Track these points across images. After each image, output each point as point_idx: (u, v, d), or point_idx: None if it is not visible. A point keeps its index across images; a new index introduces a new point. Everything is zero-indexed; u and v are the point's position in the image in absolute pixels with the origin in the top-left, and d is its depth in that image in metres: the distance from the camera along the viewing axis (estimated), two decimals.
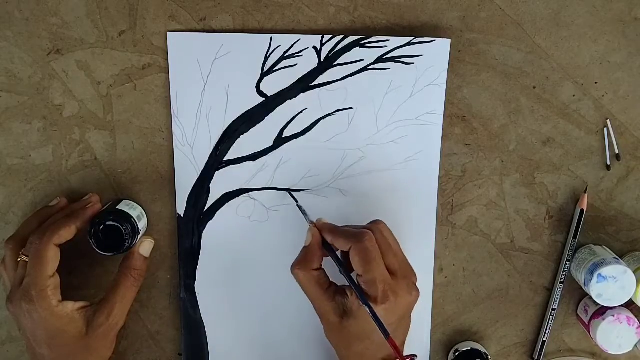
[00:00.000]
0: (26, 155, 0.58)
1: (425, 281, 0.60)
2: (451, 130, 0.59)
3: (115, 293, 0.53)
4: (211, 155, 0.58)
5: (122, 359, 0.61)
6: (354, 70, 0.57)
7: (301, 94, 0.57)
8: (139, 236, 0.55)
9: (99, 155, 0.58)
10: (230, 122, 0.57)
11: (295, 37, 0.56)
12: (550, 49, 0.58)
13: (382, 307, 0.49)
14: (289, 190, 0.58)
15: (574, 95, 0.59)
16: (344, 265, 0.52)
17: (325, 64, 0.57)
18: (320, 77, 0.57)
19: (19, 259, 0.52)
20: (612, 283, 0.56)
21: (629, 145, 0.59)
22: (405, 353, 0.51)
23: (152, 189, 0.59)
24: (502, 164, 0.60)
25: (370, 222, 0.54)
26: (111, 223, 0.53)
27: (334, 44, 0.56)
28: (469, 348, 0.60)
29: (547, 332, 0.61)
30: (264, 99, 0.57)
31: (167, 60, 0.56)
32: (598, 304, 0.58)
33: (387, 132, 0.58)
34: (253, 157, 0.58)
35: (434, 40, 0.56)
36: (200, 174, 0.58)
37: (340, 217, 0.57)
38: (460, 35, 0.57)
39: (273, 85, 0.57)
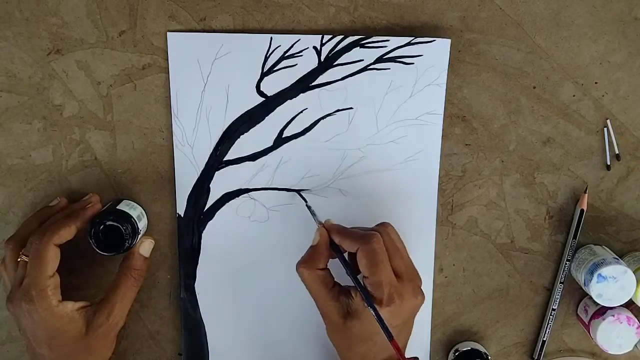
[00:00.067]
0: (26, 155, 0.58)
1: (425, 281, 0.59)
2: (451, 130, 0.59)
3: (115, 293, 0.53)
4: (211, 155, 0.58)
5: (122, 359, 0.61)
6: (354, 70, 0.57)
7: (301, 94, 0.57)
8: (139, 236, 0.55)
9: (99, 155, 0.58)
10: (230, 122, 0.57)
11: (295, 37, 0.56)
12: (550, 49, 0.58)
13: (387, 309, 0.49)
14: (298, 191, 0.58)
15: (574, 95, 0.59)
16: (350, 266, 0.52)
17: (325, 64, 0.57)
18: (320, 77, 0.57)
19: (19, 259, 0.52)
20: (612, 283, 0.56)
21: (629, 145, 0.59)
22: (406, 355, 0.51)
23: (152, 189, 0.59)
24: (502, 164, 0.60)
25: (378, 225, 0.54)
26: (111, 223, 0.53)
27: (334, 44, 0.56)
28: (469, 348, 0.60)
29: (547, 332, 0.61)
30: (264, 99, 0.57)
31: (167, 60, 0.56)
32: (598, 304, 0.58)
33: (387, 132, 0.58)
34: (253, 157, 0.58)
35: (434, 40, 0.56)
36: (200, 174, 0.58)
37: (341, 217, 0.56)
38: (460, 35, 0.57)
39: (273, 85, 0.57)
